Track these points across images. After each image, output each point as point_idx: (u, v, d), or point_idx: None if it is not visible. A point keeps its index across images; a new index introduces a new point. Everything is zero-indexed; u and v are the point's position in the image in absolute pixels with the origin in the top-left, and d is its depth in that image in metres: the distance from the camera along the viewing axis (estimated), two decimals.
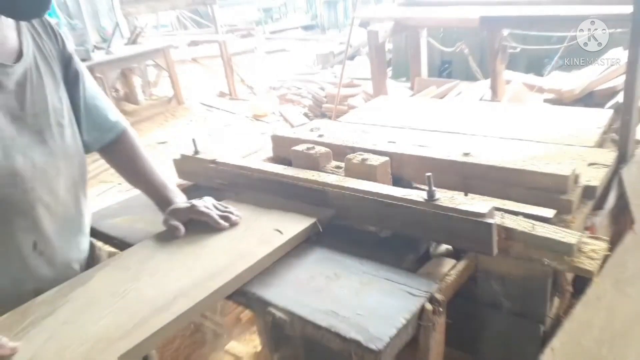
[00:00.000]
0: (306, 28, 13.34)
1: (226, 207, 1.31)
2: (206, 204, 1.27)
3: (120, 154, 1.35)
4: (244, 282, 1.05)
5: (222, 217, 1.25)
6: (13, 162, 1.01)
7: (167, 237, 1.22)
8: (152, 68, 6.57)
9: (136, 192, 1.47)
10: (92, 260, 1.29)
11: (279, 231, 1.19)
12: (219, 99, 6.91)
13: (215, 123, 5.85)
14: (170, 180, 1.38)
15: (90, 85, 1.26)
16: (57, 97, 1.14)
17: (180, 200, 1.31)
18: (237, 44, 9.08)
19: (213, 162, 1.57)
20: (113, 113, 1.32)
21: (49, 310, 0.97)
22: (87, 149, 1.27)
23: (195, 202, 1.27)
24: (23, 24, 1.08)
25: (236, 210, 1.30)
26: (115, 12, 6.16)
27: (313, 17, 14.04)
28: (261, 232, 1.21)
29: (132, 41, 6.19)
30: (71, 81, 1.20)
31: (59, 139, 1.12)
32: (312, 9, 14.25)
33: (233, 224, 1.25)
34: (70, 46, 1.20)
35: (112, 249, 1.94)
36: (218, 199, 1.35)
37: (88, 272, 1.13)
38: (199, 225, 1.24)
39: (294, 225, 1.22)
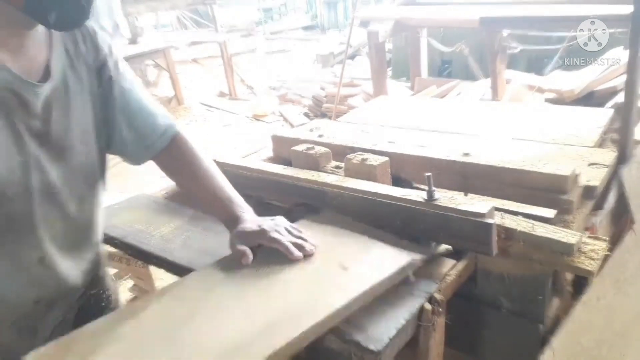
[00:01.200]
0: (306, 28, 13.34)
1: (300, 232, 1.14)
2: (278, 227, 1.11)
3: (175, 162, 1.19)
4: (324, 329, 0.87)
5: (295, 244, 1.09)
6: (29, 179, 0.96)
7: (231, 264, 1.06)
8: (152, 68, 6.57)
9: (135, 192, 1.47)
10: (96, 263, 1.20)
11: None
12: (219, 99, 6.91)
13: (215, 123, 5.86)
14: (235, 191, 1.19)
15: (131, 89, 1.14)
16: (84, 116, 1.05)
17: (248, 216, 1.13)
18: (237, 44, 9.09)
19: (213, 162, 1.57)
20: (162, 117, 1.17)
21: (92, 346, 0.84)
22: (137, 160, 1.18)
23: (267, 225, 1.11)
24: (56, 37, 1.00)
25: (311, 236, 1.13)
26: (115, 12, 6.15)
27: (313, 17, 14.03)
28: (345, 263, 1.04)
29: (132, 41, 6.19)
30: (105, 89, 1.09)
31: (81, 158, 1.05)
32: (312, 9, 14.25)
33: (307, 255, 1.08)
34: (106, 51, 1.08)
35: (112, 249, 1.94)
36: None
37: (140, 304, 1.03)
38: (270, 251, 1.08)
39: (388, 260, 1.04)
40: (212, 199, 1.17)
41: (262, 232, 1.09)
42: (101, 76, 1.08)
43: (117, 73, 1.11)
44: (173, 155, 1.18)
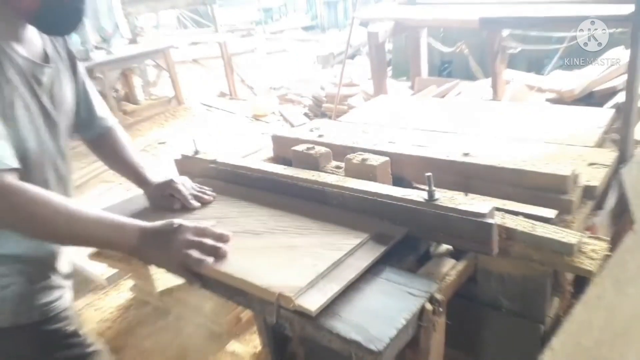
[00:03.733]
0: (306, 28, 13.33)
1: (201, 187, 1.42)
2: (184, 182, 1.41)
3: (106, 147, 1.49)
4: None
5: (195, 196, 1.37)
6: (43, 149, 1.18)
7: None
8: (152, 68, 6.56)
9: (137, 191, 1.49)
10: None
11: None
12: (219, 99, 6.90)
13: (215, 123, 5.85)
14: (146, 163, 1.50)
15: (86, 81, 1.42)
16: (68, 96, 1.30)
17: (150, 176, 1.44)
18: (237, 44, 9.09)
19: (213, 162, 1.57)
20: (102, 108, 1.48)
21: None
22: (86, 136, 1.47)
23: (174, 177, 1.40)
24: None
25: (211, 190, 1.41)
26: (115, 12, 6.15)
27: (313, 17, 14.03)
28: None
29: (132, 41, 6.19)
30: (75, 73, 1.36)
31: (66, 135, 1.29)
32: (312, 9, 14.24)
33: (206, 203, 1.37)
34: (72, 49, 1.36)
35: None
36: None
37: None
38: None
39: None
40: (128, 168, 1.46)
41: (170, 182, 1.38)
42: (74, 69, 1.35)
43: (81, 70, 1.39)
44: (106, 139, 1.48)
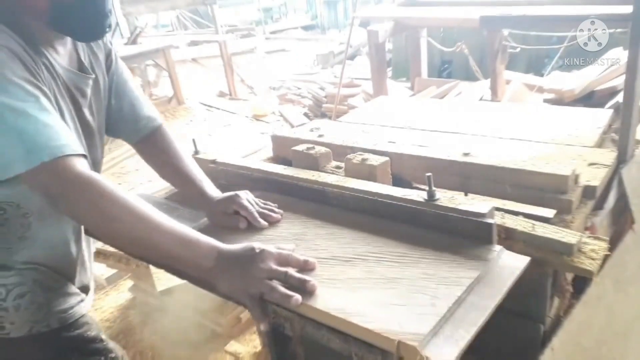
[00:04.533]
0: (306, 28, 13.34)
1: (266, 203, 1.24)
2: (248, 197, 1.22)
3: (155, 148, 1.35)
4: None
5: (261, 214, 1.20)
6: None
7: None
8: (152, 68, 6.56)
9: (137, 190, 1.47)
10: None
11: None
12: (219, 99, 6.90)
13: (215, 123, 5.85)
14: (204, 175, 1.31)
15: (128, 78, 1.32)
16: (106, 101, 1.25)
17: (217, 191, 1.26)
18: (237, 44, 9.08)
19: (213, 162, 1.57)
20: (150, 109, 1.35)
21: None
22: (129, 139, 1.36)
23: (238, 192, 1.22)
24: None
25: (276, 206, 1.25)
26: (115, 12, 6.15)
27: (313, 17, 14.04)
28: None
29: (132, 41, 6.19)
30: (114, 73, 1.28)
31: (102, 142, 1.25)
32: (312, 9, 14.25)
33: (273, 222, 1.19)
34: (110, 46, 1.27)
35: (112, 249, 1.95)
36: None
37: None
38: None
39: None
40: (184, 179, 1.30)
41: (234, 197, 1.21)
42: (109, 67, 1.26)
43: (117, 66, 1.29)
44: (155, 141, 1.34)
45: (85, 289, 1.28)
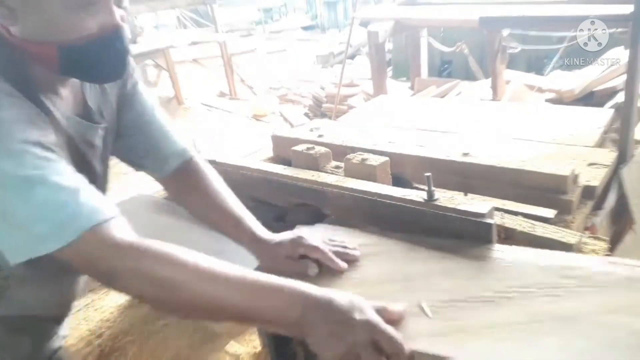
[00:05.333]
0: (306, 28, 13.34)
1: (342, 242, 1.04)
2: (315, 233, 1.03)
3: (184, 184, 1.14)
4: None
5: (337, 253, 0.98)
6: None
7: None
8: (152, 68, 6.56)
9: (138, 190, 1.48)
10: None
11: None
12: (219, 99, 6.90)
13: (215, 123, 5.85)
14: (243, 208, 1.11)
15: (155, 107, 1.14)
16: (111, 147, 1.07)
17: (261, 231, 1.05)
18: (237, 44, 9.09)
19: (213, 162, 1.57)
20: (177, 139, 1.14)
21: None
22: (155, 174, 1.15)
23: (303, 232, 1.02)
24: None
25: (351, 242, 1.04)
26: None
27: (313, 17, 14.03)
28: None
29: (132, 41, 6.19)
30: (130, 105, 1.09)
31: (104, 184, 1.09)
32: (312, 9, 14.25)
33: (352, 261, 0.99)
34: (133, 80, 1.09)
35: None
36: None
37: None
38: None
39: None
40: (224, 216, 1.08)
41: (300, 240, 0.99)
42: (124, 100, 1.08)
43: (141, 97, 1.11)
44: (185, 177, 1.14)
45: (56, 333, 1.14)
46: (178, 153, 1.13)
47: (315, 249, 0.97)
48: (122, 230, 0.80)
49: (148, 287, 0.78)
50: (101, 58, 0.87)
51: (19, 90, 0.81)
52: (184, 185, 1.14)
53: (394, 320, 0.77)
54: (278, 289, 0.78)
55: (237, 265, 0.80)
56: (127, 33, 0.89)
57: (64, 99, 0.92)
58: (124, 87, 1.07)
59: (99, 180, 1.00)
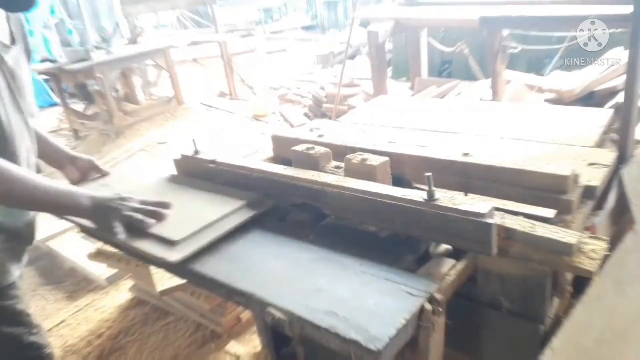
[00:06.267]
0: (306, 28, 13.33)
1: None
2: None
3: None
4: None
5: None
6: (10, 121, 1.30)
7: None
8: (152, 68, 6.55)
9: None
10: None
11: None
12: (219, 99, 6.90)
13: (215, 123, 5.84)
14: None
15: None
16: (28, 79, 1.43)
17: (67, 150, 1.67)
18: (237, 44, 9.08)
19: (213, 162, 1.57)
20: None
21: None
22: None
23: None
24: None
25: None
26: (115, 12, 6.14)
27: (313, 17, 14.03)
28: None
29: (132, 41, 6.19)
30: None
31: (27, 112, 1.41)
32: (312, 9, 14.24)
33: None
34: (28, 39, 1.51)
35: (112, 249, 1.94)
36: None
37: None
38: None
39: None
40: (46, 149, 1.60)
41: (94, 164, 1.65)
42: (28, 55, 1.47)
43: (29, 61, 1.49)
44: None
45: (22, 258, 1.47)
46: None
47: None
48: None
49: None
50: None
51: None
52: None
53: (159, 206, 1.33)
54: (75, 191, 1.29)
55: (45, 177, 1.26)
56: None
57: None
58: (27, 43, 1.46)
59: (11, 89, 1.31)
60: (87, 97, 5.66)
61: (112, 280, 2.81)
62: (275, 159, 1.78)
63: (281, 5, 14.58)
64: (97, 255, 2.49)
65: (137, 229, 1.28)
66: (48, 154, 1.62)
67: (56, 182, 1.29)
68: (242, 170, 1.49)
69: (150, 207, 1.31)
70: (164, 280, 2.29)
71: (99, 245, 2.43)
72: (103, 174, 1.70)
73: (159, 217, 1.30)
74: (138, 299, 2.66)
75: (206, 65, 8.45)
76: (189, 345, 2.30)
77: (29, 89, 1.44)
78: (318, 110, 5.49)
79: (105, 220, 1.27)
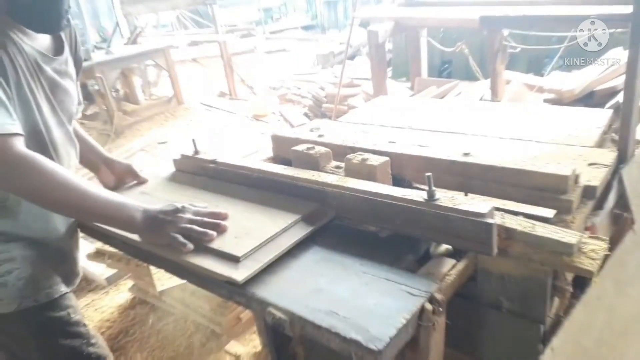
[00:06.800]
0: (306, 28, 13.34)
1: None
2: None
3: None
4: None
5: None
6: (51, 134, 1.29)
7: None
8: (152, 68, 6.56)
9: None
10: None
11: None
12: (219, 99, 6.90)
13: (215, 123, 5.85)
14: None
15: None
16: (74, 92, 1.43)
17: (105, 153, 1.64)
18: (237, 44, 9.08)
19: (213, 162, 1.57)
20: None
21: None
22: None
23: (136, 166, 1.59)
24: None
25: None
26: (115, 12, 6.15)
27: (313, 17, 14.04)
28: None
29: (132, 41, 6.19)
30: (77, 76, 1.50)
31: (68, 121, 1.41)
32: (312, 9, 14.25)
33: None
34: (80, 50, 1.53)
35: (112, 249, 1.95)
36: None
37: None
38: None
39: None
40: (87, 151, 1.60)
41: (132, 169, 1.61)
42: (78, 69, 1.50)
43: (81, 63, 1.54)
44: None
45: (70, 276, 1.41)
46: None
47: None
48: (20, 146, 1.08)
49: (30, 189, 1.09)
50: (41, 11, 1.22)
51: None
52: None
53: (216, 218, 1.21)
54: (124, 203, 1.18)
55: (98, 186, 1.24)
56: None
57: (31, 36, 1.27)
58: (78, 55, 1.50)
59: (49, 99, 1.30)
60: (87, 97, 5.66)
61: (112, 280, 2.81)
62: (275, 159, 1.78)
63: (281, 5, 14.59)
64: (97, 255, 2.49)
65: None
66: (83, 154, 1.55)
67: (105, 190, 1.22)
68: (242, 170, 1.49)
69: (208, 219, 1.19)
70: (164, 280, 2.29)
71: (98, 245, 2.43)
72: (141, 180, 1.63)
73: (219, 229, 1.18)
74: (138, 299, 2.66)
75: (206, 65, 8.46)
76: (189, 345, 2.30)
77: (73, 98, 1.43)
78: (318, 110, 5.49)
79: (160, 235, 1.16)
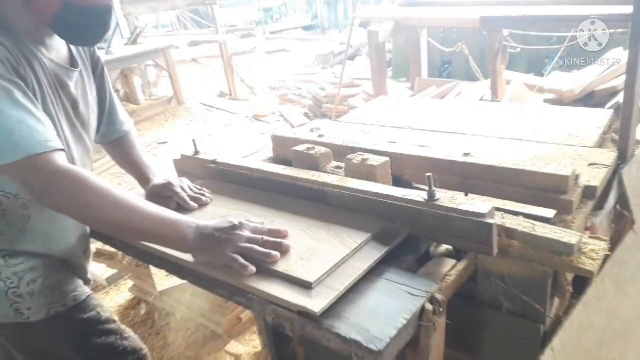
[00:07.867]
0: (306, 28, 13.35)
1: (200, 188, 1.43)
2: (182, 183, 1.41)
3: (120, 150, 1.55)
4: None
5: (193, 198, 1.38)
6: (71, 152, 1.24)
7: None
8: (152, 68, 6.56)
9: (138, 190, 1.50)
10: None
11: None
12: (219, 99, 6.90)
13: (215, 123, 5.85)
14: (153, 163, 1.54)
15: (110, 88, 1.49)
16: (93, 101, 1.37)
17: (158, 176, 1.46)
18: (237, 44, 9.08)
19: (213, 162, 1.57)
20: (123, 112, 1.55)
21: None
22: (104, 139, 1.53)
23: (172, 179, 1.42)
24: None
25: (209, 191, 1.42)
26: (115, 12, 6.15)
27: (313, 17, 14.05)
28: None
29: (132, 41, 6.18)
30: (99, 79, 1.43)
31: (89, 138, 1.35)
32: (312, 9, 14.26)
33: (203, 204, 1.37)
34: (97, 53, 1.43)
35: (112, 249, 1.94)
36: None
37: None
38: None
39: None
40: (134, 166, 1.51)
41: (168, 185, 1.40)
42: (96, 69, 1.41)
43: (103, 72, 1.44)
44: (123, 143, 1.54)
45: (85, 283, 1.38)
46: (123, 125, 1.53)
47: (175, 193, 1.36)
48: (60, 160, 1.03)
49: (73, 206, 1.03)
50: (90, 25, 1.17)
51: (7, 37, 1.07)
52: (119, 149, 1.54)
53: (276, 236, 1.09)
54: (176, 220, 1.07)
55: (147, 202, 1.12)
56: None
57: (50, 48, 1.21)
58: (98, 60, 1.42)
59: (68, 113, 1.25)
60: None
61: (112, 280, 2.81)
62: (275, 159, 1.78)
63: (281, 5, 14.59)
64: (97, 256, 2.49)
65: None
66: (130, 172, 1.53)
67: (154, 206, 1.10)
68: (242, 170, 1.49)
69: (268, 237, 1.08)
70: (164, 280, 2.29)
71: (98, 245, 2.43)
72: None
73: (281, 248, 1.06)
74: (138, 299, 2.65)
75: (206, 65, 8.46)
76: (189, 345, 2.30)
77: (93, 108, 1.37)
78: (318, 110, 5.49)
79: (217, 255, 1.04)
